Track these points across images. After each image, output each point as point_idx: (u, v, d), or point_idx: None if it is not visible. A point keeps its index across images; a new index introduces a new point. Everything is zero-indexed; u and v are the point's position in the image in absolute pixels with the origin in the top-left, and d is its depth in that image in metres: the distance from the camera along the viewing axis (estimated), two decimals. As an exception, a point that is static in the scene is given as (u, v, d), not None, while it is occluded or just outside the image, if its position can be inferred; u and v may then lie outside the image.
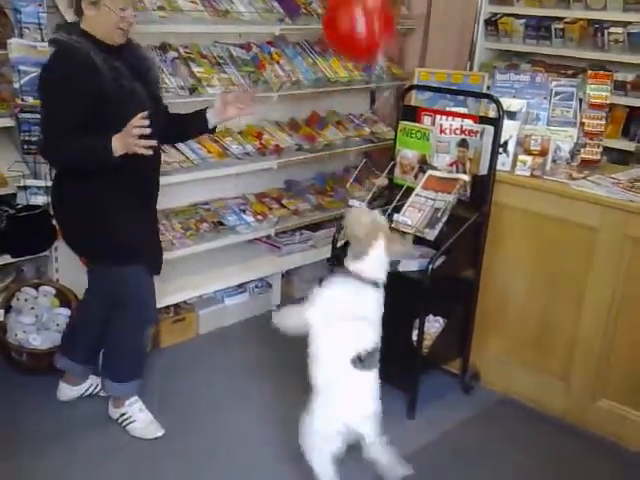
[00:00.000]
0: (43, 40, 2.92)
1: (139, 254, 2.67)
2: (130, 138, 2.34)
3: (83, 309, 2.98)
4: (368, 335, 2.30)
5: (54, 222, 3.13)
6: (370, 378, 2.26)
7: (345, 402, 2.25)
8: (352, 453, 2.39)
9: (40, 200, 3.08)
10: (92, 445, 2.72)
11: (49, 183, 3.05)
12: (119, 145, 2.37)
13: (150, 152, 2.39)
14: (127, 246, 2.62)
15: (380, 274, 2.25)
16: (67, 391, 3.00)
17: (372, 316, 2.29)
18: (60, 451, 2.67)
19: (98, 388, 3.00)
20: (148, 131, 2.34)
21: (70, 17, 2.92)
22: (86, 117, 2.42)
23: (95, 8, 2.43)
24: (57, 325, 3.15)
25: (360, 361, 2.22)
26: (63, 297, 3.24)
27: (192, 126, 2.87)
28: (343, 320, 2.23)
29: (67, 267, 3.29)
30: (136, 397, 2.84)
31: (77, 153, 2.44)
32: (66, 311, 3.20)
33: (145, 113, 2.36)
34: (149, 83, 2.63)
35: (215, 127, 2.85)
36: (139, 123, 2.33)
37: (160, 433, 2.80)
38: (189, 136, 3.10)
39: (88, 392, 3.02)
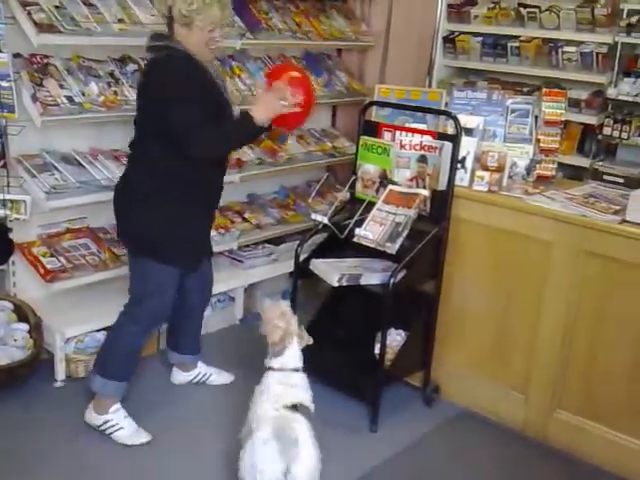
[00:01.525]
0: (1, 51, 2.88)
1: (186, 256, 2.81)
2: (277, 103, 2.64)
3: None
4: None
5: (10, 236, 3.11)
6: (301, 421, 2.36)
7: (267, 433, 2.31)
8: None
9: (-3, 214, 3.03)
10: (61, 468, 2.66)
11: (7, 196, 3.01)
12: (262, 113, 2.61)
13: (298, 109, 2.73)
14: (179, 245, 2.74)
15: (298, 363, 2.57)
16: (179, 376, 3.25)
17: (307, 402, 2.51)
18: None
19: (206, 377, 3.26)
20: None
21: (29, 27, 2.90)
22: (205, 109, 2.59)
23: (187, 28, 2.59)
24: (15, 340, 3.08)
25: (294, 408, 2.41)
26: (21, 312, 3.18)
27: None
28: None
29: (25, 282, 3.24)
30: (119, 404, 2.83)
31: (232, 134, 2.68)
32: (24, 326, 3.13)
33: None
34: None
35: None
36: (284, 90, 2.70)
37: (146, 439, 2.79)
38: None
39: (197, 379, 3.25)
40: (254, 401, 2.49)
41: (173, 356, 3.25)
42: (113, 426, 2.80)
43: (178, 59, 2.58)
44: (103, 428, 2.80)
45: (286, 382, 2.49)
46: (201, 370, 3.28)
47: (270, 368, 2.53)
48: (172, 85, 2.55)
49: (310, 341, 2.62)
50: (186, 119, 2.54)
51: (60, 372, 3.16)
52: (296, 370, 2.55)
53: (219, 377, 3.31)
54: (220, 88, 2.76)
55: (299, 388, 2.51)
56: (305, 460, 2.25)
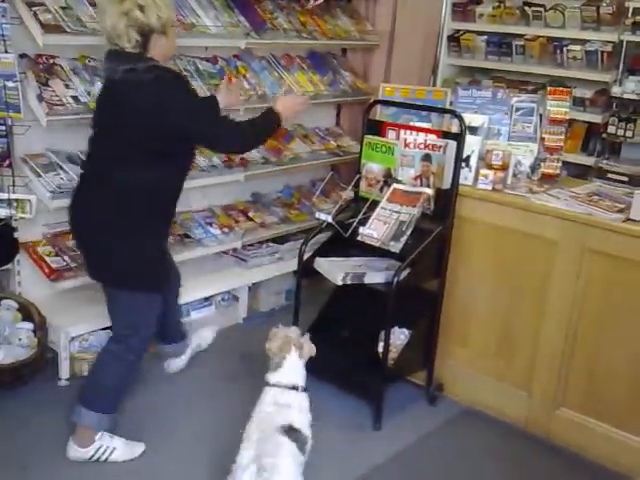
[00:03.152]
0: (7, 51, 2.89)
1: (165, 278, 2.79)
2: (298, 105, 2.94)
3: None
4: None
5: (15, 235, 3.12)
6: (285, 447, 2.25)
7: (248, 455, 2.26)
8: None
9: (2, 213, 3.04)
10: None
11: (12, 195, 3.03)
12: (285, 110, 2.82)
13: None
14: (160, 269, 2.72)
15: (297, 381, 2.44)
16: (174, 364, 3.32)
17: (299, 424, 2.37)
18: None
19: (198, 347, 3.40)
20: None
21: (35, 27, 2.91)
22: None
23: (165, 35, 2.57)
24: (19, 340, 3.10)
25: (283, 430, 2.27)
26: (26, 311, 3.19)
27: None
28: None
29: (30, 281, 3.25)
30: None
31: (261, 128, 2.81)
32: (29, 325, 3.15)
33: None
34: None
35: None
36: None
37: (141, 449, 2.76)
38: None
39: (191, 355, 3.37)
40: (251, 416, 2.38)
41: (165, 348, 3.27)
42: (105, 451, 2.68)
43: (171, 71, 2.62)
44: (96, 458, 2.67)
45: (279, 401, 2.35)
46: (191, 346, 3.36)
47: (267, 383, 2.42)
48: (187, 95, 2.58)
49: (313, 352, 2.51)
50: (216, 124, 2.68)
51: (64, 371, 3.18)
52: (294, 388, 2.40)
53: (204, 336, 3.46)
54: None
55: (294, 409, 2.36)
56: None
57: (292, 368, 2.44)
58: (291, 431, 2.28)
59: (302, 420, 2.37)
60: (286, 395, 2.38)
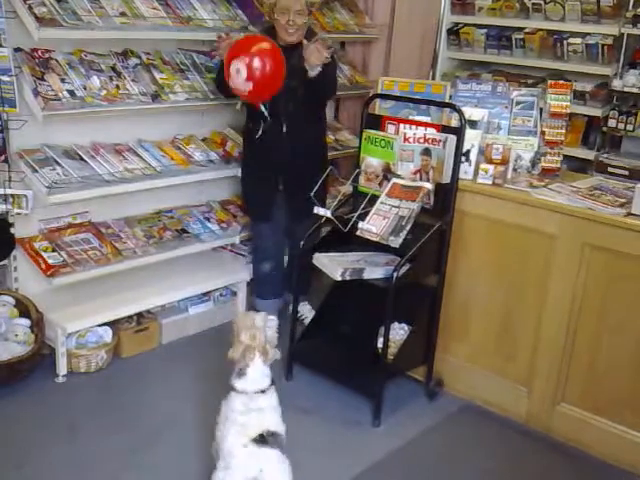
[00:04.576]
0: (2, 45, 2.86)
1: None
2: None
3: None
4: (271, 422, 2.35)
5: (12, 230, 3.10)
6: (270, 457, 2.25)
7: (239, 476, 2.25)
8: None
9: (-2, 209, 3.03)
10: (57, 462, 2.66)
11: (8, 191, 3.01)
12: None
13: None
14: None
15: (263, 383, 2.38)
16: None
17: (275, 426, 2.34)
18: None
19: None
20: None
21: (30, 21, 2.88)
22: None
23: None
24: (16, 336, 3.08)
25: (262, 439, 2.25)
26: (23, 307, 3.17)
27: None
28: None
29: (26, 277, 3.23)
30: None
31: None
32: (25, 321, 3.13)
33: None
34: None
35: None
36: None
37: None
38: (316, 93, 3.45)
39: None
40: (221, 421, 2.36)
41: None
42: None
43: None
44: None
45: (251, 407, 2.32)
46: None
47: (233, 389, 2.37)
48: None
49: (277, 356, 2.44)
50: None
51: (62, 367, 3.16)
52: (262, 392, 2.37)
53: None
54: None
55: (266, 411, 2.33)
56: None
57: (256, 373, 2.37)
58: (271, 437, 2.27)
59: (276, 420, 2.34)
60: (256, 400, 2.34)
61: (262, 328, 2.42)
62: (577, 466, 2.84)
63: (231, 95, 3.32)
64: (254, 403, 2.34)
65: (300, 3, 3.31)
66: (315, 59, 3.19)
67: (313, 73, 3.22)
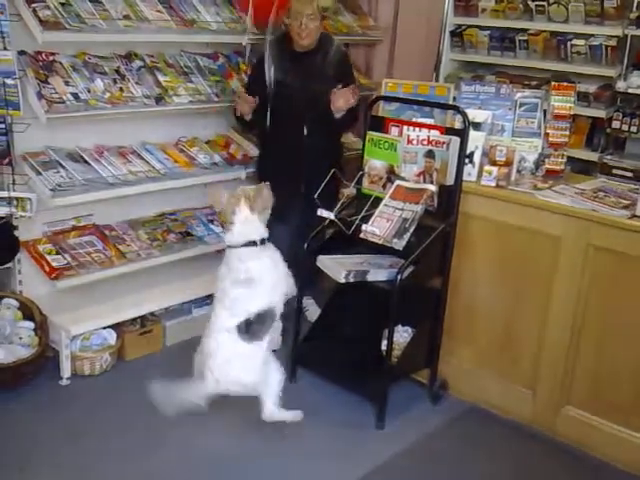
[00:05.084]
0: (6, 48, 2.87)
1: None
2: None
3: None
4: (258, 299, 2.33)
5: (16, 233, 3.11)
6: (255, 349, 2.24)
7: (222, 370, 2.24)
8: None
9: (2, 211, 3.02)
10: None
11: (12, 193, 3.01)
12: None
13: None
14: None
15: (255, 234, 2.31)
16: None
17: (262, 276, 2.32)
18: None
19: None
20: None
21: (34, 24, 2.89)
22: None
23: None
24: (20, 339, 3.08)
25: (247, 328, 2.22)
26: (26, 310, 3.18)
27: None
28: (235, 287, 2.29)
29: (30, 279, 3.23)
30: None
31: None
32: (29, 324, 3.13)
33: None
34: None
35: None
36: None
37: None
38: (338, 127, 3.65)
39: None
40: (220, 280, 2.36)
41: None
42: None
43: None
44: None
45: (242, 258, 2.28)
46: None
47: (228, 246, 2.31)
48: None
49: (269, 202, 2.37)
50: None
51: (66, 370, 3.16)
52: (253, 243, 2.30)
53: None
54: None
55: (253, 261, 2.30)
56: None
57: (245, 223, 2.31)
58: (254, 324, 2.31)
59: (259, 266, 2.34)
60: (247, 254, 2.31)
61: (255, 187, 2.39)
62: (582, 469, 2.83)
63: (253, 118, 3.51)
64: (246, 256, 2.30)
65: (312, 7, 3.37)
66: (342, 104, 3.34)
67: (338, 115, 3.40)
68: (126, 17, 3.23)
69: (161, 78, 3.45)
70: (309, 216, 3.52)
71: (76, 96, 3.09)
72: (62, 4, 3.05)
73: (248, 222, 2.30)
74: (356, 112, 3.53)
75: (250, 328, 2.34)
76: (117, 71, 3.33)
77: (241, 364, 2.35)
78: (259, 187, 2.40)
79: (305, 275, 3.27)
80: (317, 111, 3.41)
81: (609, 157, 3.98)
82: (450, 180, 2.95)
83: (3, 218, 3.04)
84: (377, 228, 2.87)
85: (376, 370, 2.98)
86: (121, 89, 3.26)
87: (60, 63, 3.16)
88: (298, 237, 3.67)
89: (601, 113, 3.96)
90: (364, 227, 2.89)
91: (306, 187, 3.50)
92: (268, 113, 3.52)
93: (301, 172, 3.50)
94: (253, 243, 2.30)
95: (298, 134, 3.45)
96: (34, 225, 3.22)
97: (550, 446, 2.94)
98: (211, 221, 3.78)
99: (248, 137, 3.98)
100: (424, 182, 2.99)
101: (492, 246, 3.03)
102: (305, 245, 3.13)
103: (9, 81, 2.89)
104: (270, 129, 3.56)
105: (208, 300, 3.77)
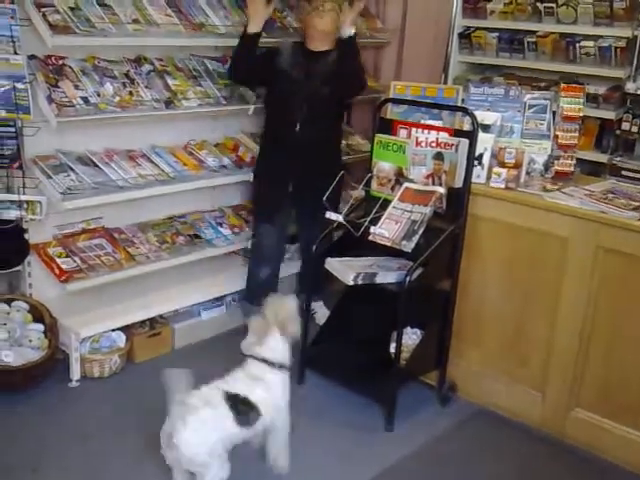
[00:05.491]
0: (16, 53, 2.89)
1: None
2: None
3: None
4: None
5: (26, 236, 3.12)
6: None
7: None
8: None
9: (13, 214, 3.04)
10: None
11: (22, 197, 3.03)
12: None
13: None
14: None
15: (273, 355, 2.44)
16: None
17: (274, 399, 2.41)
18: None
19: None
20: None
21: (44, 29, 2.91)
22: None
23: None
24: (30, 341, 3.09)
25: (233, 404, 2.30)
26: (36, 313, 3.19)
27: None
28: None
29: (40, 282, 3.24)
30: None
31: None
32: (39, 327, 3.15)
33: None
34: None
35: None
36: None
37: None
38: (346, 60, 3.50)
39: None
40: None
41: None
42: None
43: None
44: None
45: (249, 371, 2.37)
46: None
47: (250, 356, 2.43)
48: None
49: (297, 333, 2.50)
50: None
51: (75, 372, 3.18)
52: (265, 361, 2.38)
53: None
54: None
55: (258, 384, 2.35)
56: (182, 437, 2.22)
57: (271, 345, 2.43)
58: (241, 403, 2.30)
59: (260, 395, 2.36)
60: (257, 366, 2.39)
61: (286, 307, 2.48)
62: (590, 471, 2.82)
63: (244, 74, 3.52)
64: (253, 369, 2.38)
65: (327, 25, 3.42)
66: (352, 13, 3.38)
67: (345, 35, 3.38)
68: (135, 21, 3.25)
69: (170, 82, 3.46)
70: (301, 218, 3.55)
71: (86, 100, 3.10)
72: (72, 8, 3.06)
73: (274, 344, 2.45)
74: (362, 74, 3.55)
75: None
76: (127, 75, 3.34)
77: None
78: (290, 308, 2.52)
79: (314, 278, 3.28)
80: (313, 109, 3.41)
81: (619, 159, 3.95)
82: (459, 182, 2.95)
83: (13, 221, 3.05)
84: (386, 230, 2.87)
85: (385, 372, 2.98)
86: (130, 93, 3.27)
87: (70, 67, 3.17)
88: (300, 241, 3.71)
89: (610, 115, 3.94)
90: (373, 229, 2.89)
91: (295, 187, 3.51)
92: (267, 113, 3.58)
93: (291, 171, 3.52)
94: (268, 362, 2.41)
95: (290, 130, 3.44)
96: (44, 228, 3.24)
97: (559, 449, 2.94)
98: (220, 224, 3.79)
99: (256, 140, 4.00)
100: (433, 184, 2.99)
101: (501, 248, 3.03)
102: (314, 247, 3.14)
103: (19, 85, 2.90)
104: (266, 123, 3.62)
105: (217, 302, 3.79)
